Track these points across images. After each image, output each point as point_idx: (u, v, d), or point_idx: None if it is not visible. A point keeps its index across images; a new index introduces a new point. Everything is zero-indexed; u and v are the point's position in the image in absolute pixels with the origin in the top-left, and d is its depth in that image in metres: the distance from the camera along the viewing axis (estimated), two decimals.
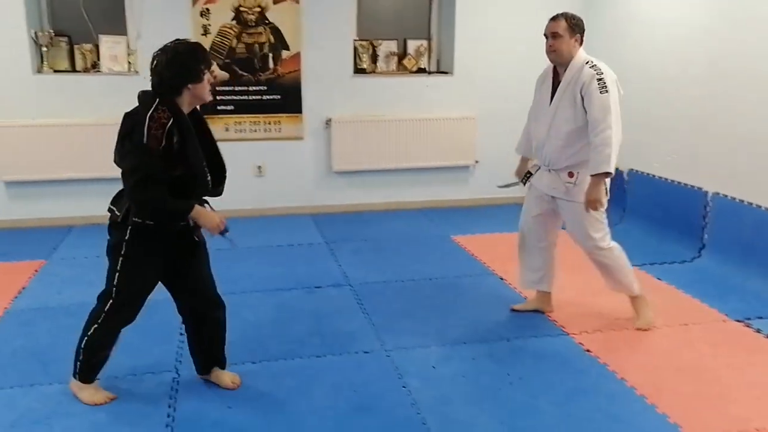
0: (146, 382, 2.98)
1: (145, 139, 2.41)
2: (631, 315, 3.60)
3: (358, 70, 5.83)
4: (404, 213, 5.90)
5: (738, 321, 3.64)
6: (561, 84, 3.28)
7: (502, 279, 4.28)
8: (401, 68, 5.97)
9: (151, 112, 2.44)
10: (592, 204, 3.22)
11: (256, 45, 5.55)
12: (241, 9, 5.45)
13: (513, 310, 3.76)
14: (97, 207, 5.29)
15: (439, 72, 6.09)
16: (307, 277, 4.30)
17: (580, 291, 4.05)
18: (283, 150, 5.76)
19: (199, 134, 2.63)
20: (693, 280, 4.22)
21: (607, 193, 3.31)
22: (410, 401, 2.84)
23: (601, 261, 3.49)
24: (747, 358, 3.22)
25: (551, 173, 3.40)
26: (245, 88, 5.60)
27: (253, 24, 5.51)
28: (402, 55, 5.99)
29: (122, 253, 2.60)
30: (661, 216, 5.07)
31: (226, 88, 5.53)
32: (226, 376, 2.97)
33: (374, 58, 5.92)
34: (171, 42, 2.55)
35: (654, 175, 5.15)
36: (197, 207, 2.59)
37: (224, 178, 2.76)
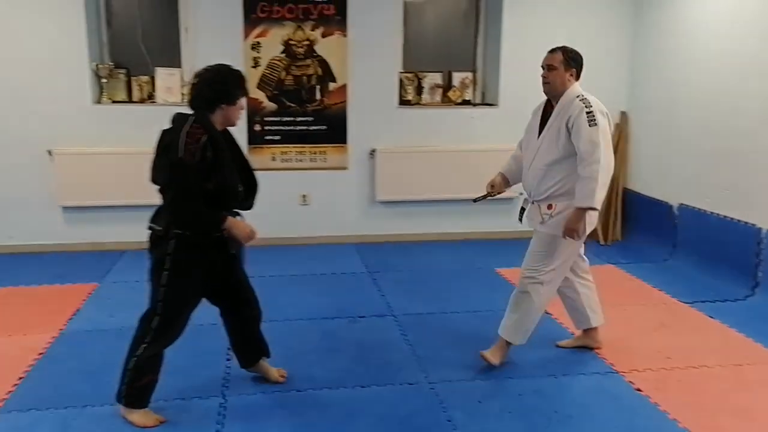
0: (194, 407, 3.02)
1: (181, 153, 2.55)
2: (684, 353, 3.49)
3: (403, 102, 5.91)
4: (447, 244, 5.89)
5: None
6: (551, 116, 3.26)
7: (548, 314, 4.21)
8: (446, 100, 6.03)
9: (187, 128, 2.60)
10: (569, 232, 3.15)
11: (304, 77, 5.68)
12: (291, 42, 5.59)
13: (558, 347, 3.71)
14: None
15: (484, 104, 6.12)
16: (351, 307, 4.32)
17: (630, 327, 3.97)
18: (327, 180, 5.84)
19: (230, 150, 2.78)
20: (746, 319, 4.10)
21: (587, 226, 3.24)
22: None
23: (523, 298, 3.35)
24: None
25: (533, 205, 3.37)
26: (292, 118, 5.72)
27: (302, 57, 5.64)
28: (447, 86, 6.04)
29: (166, 267, 2.70)
30: (713, 252, 4.95)
31: (274, 119, 5.66)
32: (273, 371, 3.19)
33: (419, 89, 5.99)
34: (216, 64, 2.73)
35: (706, 210, 5.05)
36: (230, 218, 2.73)
37: (255, 191, 2.91)
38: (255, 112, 5.62)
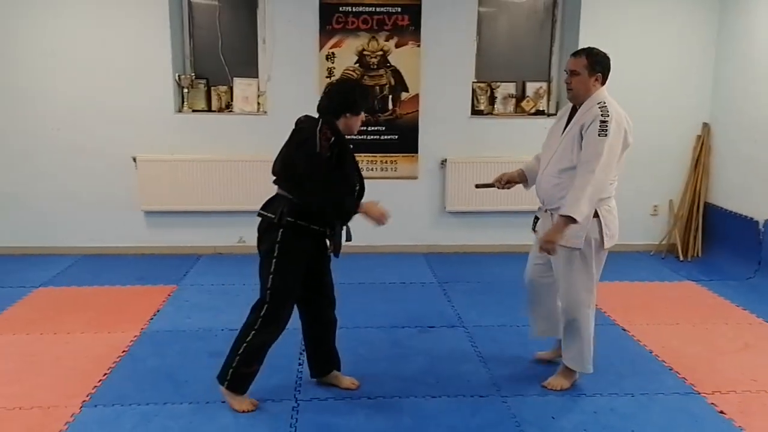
0: (267, 409, 3.08)
1: (318, 148, 2.77)
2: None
3: (475, 112, 5.88)
4: (518, 256, 5.75)
5: None
6: (571, 121, 3.10)
7: (624, 330, 4.11)
8: (519, 110, 5.96)
9: (320, 127, 2.82)
10: (545, 244, 2.99)
11: (377, 87, 5.73)
12: (365, 53, 5.66)
13: (537, 359, 3.59)
14: (224, 238, 5.71)
15: None
16: (421, 316, 4.32)
17: (711, 347, 3.82)
18: (398, 189, 5.86)
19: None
20: None
21: (602, 243, 3.09)
22: None
23: (574, 326, 3.19)
24: None
25: (547, 214, 3.20)
26: (364, 128, 5.76)
27: (375, 67, 5.70)
28: (520, 97, 5.98)
29: (275, 254, 2.88)
30: None
31: None
32: (346, 379, 3.27)
33: (492, 99, 5.95)
34: (347, 78, 2.95)
35: None
36: (363, 203, 2.95)
37: (363, 194, 3.08)
38: None
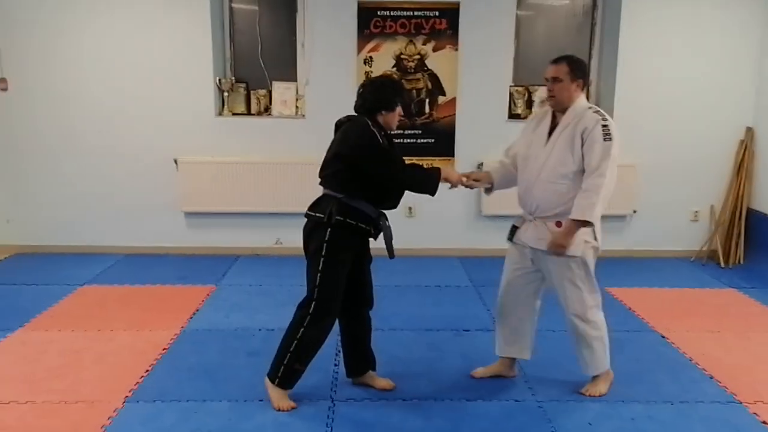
0: (303, 408, 3.11)
1: (381, 142, 2.90)
2: None
3: (513, 115, 5.86)
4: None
5: None
6: (558, 126, 3.04)
7: (663, 337, 4.04)
8: None
9: (368, 125, 2.93)
10: (555, 247, 2.98)
11: (414, 91, 5.75)
12: (402, 57, 5.69)
13: (473, 376, 3.47)
14: (262, 239, 5.79)
15: None
16: (456, 319, 4.32)
17: (753, 356, 3.74)
18: None
19: None
20: None
21: (597, 249, 3.08)
22: None
23: (583, 334, 3.16)
24: None
25: (537, 223, 3.12)
26: (401, 131, 5.80)
27: (413, 71, 5.73)
28: None
29: (323, 253, 2.95)
30: None
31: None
32: (382, 380, 3.31)
33: (529, 103, 5.92)
34: (379, 76, 3.07)
35: None
36: (442, 168, 3.13)
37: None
38: None
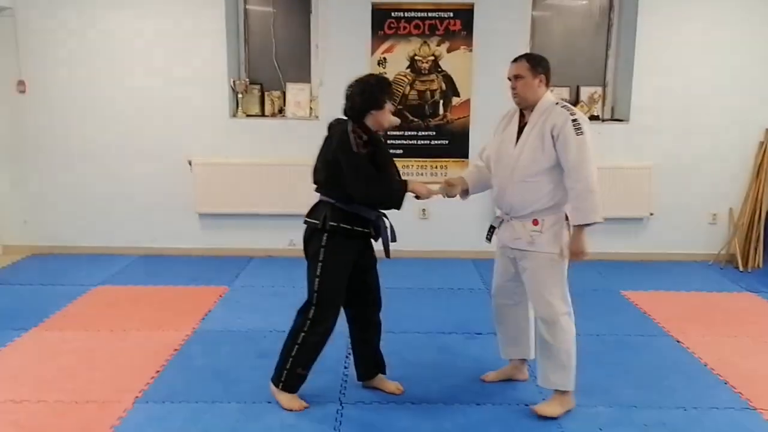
0: (312, 411, 3.10)
1: (355, 148, 2.84)
2: None
3: None
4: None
5: None
6: (527, 125, 2.98)
7: (678, 341, 3.98)
8: None
9: (349, 128, 2.90)
10: (577, 256, 2.91)
11: (428, 92, 5.74)
12: (416, 58, 5.68)
13: (483, 380, 3.43)
14: (275, 241, 5.80)
15: (614, 119, 5.90)
16: (468, 323, 4.29)
17: None
18: None
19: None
20: None
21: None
22: None
23: (547, 341, 3.02)
24: None
25: (514, 223, 3.06)
26: (415, 133, 5.79)
27: (426, 72, 5.71)
28: (574, 102, 5.88)
29: (321, 258, 2.96)
30: None
31: (397, 133, 5.75)
32: (391, 384, 3.29)
33: None
34: (365, 75, 3.02)
35: None
36: (409, 181, 3.03)
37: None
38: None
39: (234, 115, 5.78)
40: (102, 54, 5.57)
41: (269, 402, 3.13)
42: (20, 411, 3.07)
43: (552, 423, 3.01)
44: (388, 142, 5.73)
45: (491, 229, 3.24)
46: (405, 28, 5.62)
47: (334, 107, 5.52)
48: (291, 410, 3.08)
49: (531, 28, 5.69)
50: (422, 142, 5.80)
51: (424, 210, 5.87)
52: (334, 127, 3.02)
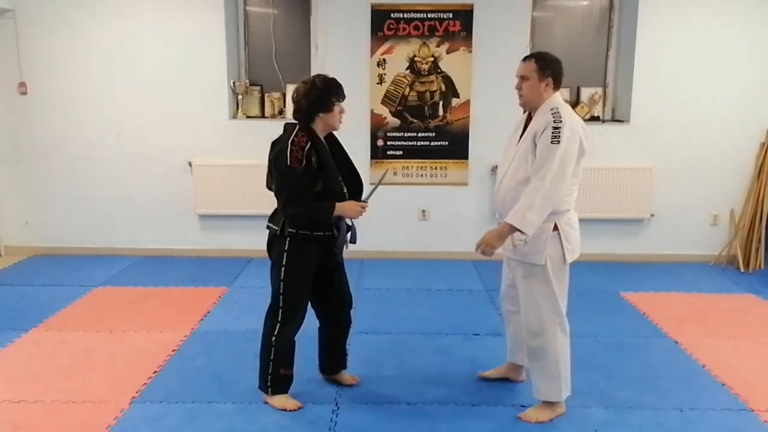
0: (307, 412, 3.10)
1: (288, 162, 2.79)
2: None
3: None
4: (570, 265, 5.68)
5: None
6: (527, 129, 2.92)
7: (676, 342, 3.97)
8: None
9: (292, 137, 2.84)
10: (484, 245, 2.82)
11: (428, 93, 5.74)
12: (416, 59, 5.68)
13: (481, 377, 3.45)
14: None
15: (614, 120, 5.89)
16: (466, 324, 4.29)
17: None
18: (447, 195, 5.85)
19: (336, 154, 3.01)
20: None
21: (564, 259, 2.88)
22: None
23: (536, 353, 2.99)
24: None
25: None
26: (414, 134, 5.79)
27: (426, 73, 5.71)
28: (574, 102, 5.88)
29: (283, 263, 2.97)
30: None
31: (396, 134, 5.76)
32: (347, 377, 3.38)
33: None
34: (312, 76, 2.96)
35: None
36: (336, 204, 2.91)
37: (361, 191, 3.08)
38: (378, 128, 5.75)
39: (234, 117, 5.79)
40: (102, 56, 5.60)
41: (265, 403, 3.14)
42: (17, 411, 3.08)
43: (547, 425, 3.00)
44: (388, 143, 5.75)
45: None
46: (404, 29, 5.62)
47: None
48: (285, 410, 3.09)
49: (531, 28, 5.68)
50: (422, 143, 5.80)
51: (423, 211, 5.88)
52: (281, 135, 2.93)
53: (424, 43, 5.64)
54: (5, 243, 5.94)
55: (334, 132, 3.07)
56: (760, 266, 5.58)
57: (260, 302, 4.60)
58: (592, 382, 3.39)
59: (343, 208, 2.93)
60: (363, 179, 3.14)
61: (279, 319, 3.02)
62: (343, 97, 2.98)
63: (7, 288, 4.97)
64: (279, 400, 3.12)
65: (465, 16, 5.59)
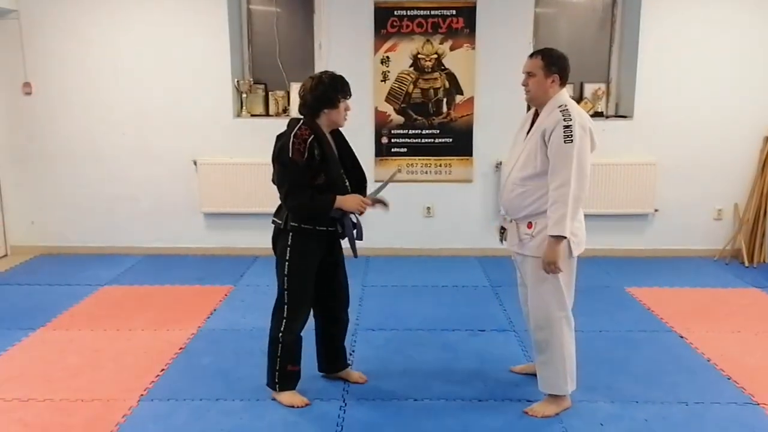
0: (315, 408, 3.12)
1: (290, 154, 2.83)
2: None
3: None
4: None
5: None
6: (534, 125, 2.92)
7: (682, 337, 3.98)
8: None
9: (295, 130, 2.88)
10: (549, 267, 2.83)
11: (431, 90, 5.74)
12: (419, 56, 5.68)
13: (512, 371, 3.49)
14: None
15: (618, 116, 5.89)
16: (472, 320, 4.30)
17: None
18: (452, 192, 5.86)
19: (340, 149, 3.06)
20: None
21: (570, 252, 2.88)
22: None
23: (542, 346, 3.01)
24: None
25: (512, 225, 3.03)
26: (419, 131, 5.79)
27: (430, 70, 5.72)
28: (578, 98, 5.88)
29: (287, 258, 2.99)
30: None
31: (401, 132, 5.77)
32: (355, 374, 3.40)
33: None
34: (319, 72, 2.98)
35: None
36: (337, 197, 2.93)
37: (364, 186, 3.12)
38: (382, 125, 5.76)
39: (238, 115, 5.81)
40: (107, 55, 5.62)
41: (273, 399, 3.16)
42: (27, 409, 3.11)
43: (553, 419, 3.02)
44: (392, 140, 5.76)
45: (502, 230, 3.19)
46: (408, 26, 5.63)
47: None
48: (293, 406, 3.11)
49: (534, 24, 5.68)
50: (426, 140, 5.81)
51: (428, 208, 5.89)
52: (288, 126, 2.96)
53: (428, 40, 5.65)
54: (11, 243, 5.97)
55: (341, 129, 3.11)
56: (764, 260, 5.58)
57: (266, 300, 4.62)
58: (598, 377, 3.40)
59: (344, 201, 2.94)
60: (368, 176, 3.16)
61: (285, 315, 3.05)
62: (350, 94, 3.00)
63: (14, 288, 5.00)
64: (286, 397, 3.14)
65: (468, 12, 5.59)
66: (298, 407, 3.11)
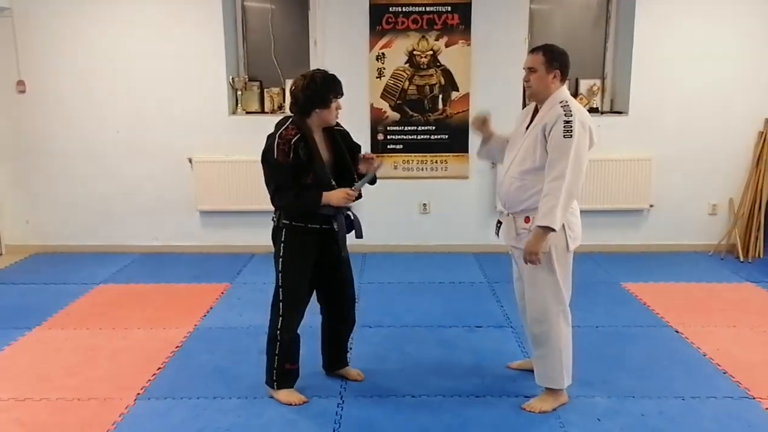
0: (313, 406, 3.12)
1: (275, 155, 2.84)
2: None
3: None
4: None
5: None
6: (534, 120, 2.94)
7: (678, 332, 3.99)
8: None
9: (280, 131, 2.89)
10: (529, 256, 2.84)
11: (427, 86, 5.74)
12: (415, 53, 5.68)
13: (509, 368, 3.51)
14: None
15: (613, 112, 5.90)
16: (469, 316, 4.30)
17: None
18: (448, 188, 5.86)
19: (334, 146, 3.05)
20: None
21: (567, 246, 2.91)
22: None
23: (539, 340, 3.03)
24: None
25: (509, 218, 3.04)
26: (414, 128, 5.79)
27: (425, 66, 5.71)
28: (573, 95, 5.85)
29: (280, 254, 3.02)
30: None
31: (397, 128, 5.76)
32: (353, 372, 3.41)
33: None
34: (312, 70, 2.96)
35: None
36: (324, 193, 2.93)
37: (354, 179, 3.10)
38: (378, 122, 5.75)
39: (233, 113, 5.79)
40: (101, 53, 5.59)
41: (270, 397, 3.16)
42: (23, 408, 3.10)
43: (550, 414, 3.03)
44: (388, 137, 5.75)
45: (499, 224, 3.20)
46: (403, 23, 5.62)
47: None
48: (291, 404, 3.11)
49: (529, 21, 5.68)
50: (422, 137, 5.80)
51: (424, 205, 5.88)
52: (276, 126, 2.96)
53: (423, 36, 5.64)
54: (6, 242, 5.95)
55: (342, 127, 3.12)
56: (759, 255, 5.60)
57: (263, 298, 4.62)
58: (595, 372, 3.41)
59: (329, 196, 2.93)
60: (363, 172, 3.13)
61: (280, 312, 3.05)
62: (341, 93, 2.99)
63: (9, 287, 4.98)
64: (284, 395, 3.14)
65: (463, 9, 5.59)
66: (296, 405, 3.11)
